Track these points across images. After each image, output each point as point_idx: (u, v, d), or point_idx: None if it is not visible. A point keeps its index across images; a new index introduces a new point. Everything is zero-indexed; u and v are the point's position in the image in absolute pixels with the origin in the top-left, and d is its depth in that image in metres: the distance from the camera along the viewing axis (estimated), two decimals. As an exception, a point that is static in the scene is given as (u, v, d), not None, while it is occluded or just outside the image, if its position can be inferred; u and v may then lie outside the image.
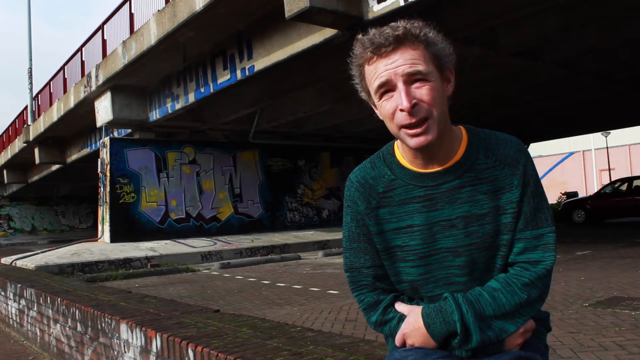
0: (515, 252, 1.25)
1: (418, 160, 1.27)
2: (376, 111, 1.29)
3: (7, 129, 27.47)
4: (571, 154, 37.38)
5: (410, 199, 1.28)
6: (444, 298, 1.24)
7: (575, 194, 23.57)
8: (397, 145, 1.33)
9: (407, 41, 1.18)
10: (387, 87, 1.19)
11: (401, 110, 1.17)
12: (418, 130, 1.17)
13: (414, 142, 1.19)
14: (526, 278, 1.22)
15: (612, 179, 23.05)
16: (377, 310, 1.33)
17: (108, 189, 13.88)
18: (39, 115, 20.17)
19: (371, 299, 1.34)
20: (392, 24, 1.20)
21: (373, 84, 1.21)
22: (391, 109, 1.19)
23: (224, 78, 10.77)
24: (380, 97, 1.21)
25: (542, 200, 1.27)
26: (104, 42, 13.61)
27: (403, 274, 1.31)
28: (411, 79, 1.17)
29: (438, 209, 1.26)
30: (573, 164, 37.25)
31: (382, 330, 1.34)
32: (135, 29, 11.68)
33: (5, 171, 28.32)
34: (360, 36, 1.23)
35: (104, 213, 14.08)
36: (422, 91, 1.17)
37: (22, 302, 5.14)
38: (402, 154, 1.31)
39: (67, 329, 3.82)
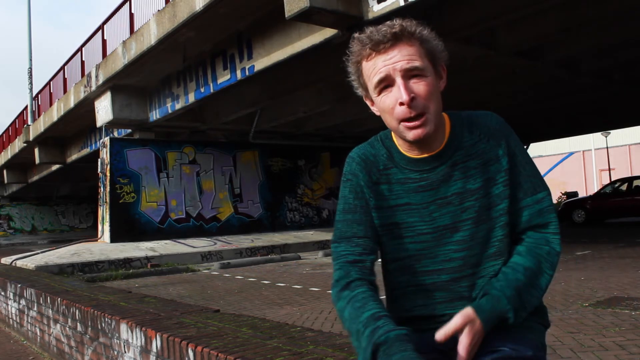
0: (524, 221, 1.32)
1: (413, 150, 1.32)
2: (372, 108, 1.34)
3: (7, 129, 27.46)
4: (571, 154, 37.38)
5: (406, 179, 1.33)
6: (496, 297, 1.23)
7: (575, 194, 23.57)
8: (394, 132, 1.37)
9: (404, 38, 1.22)
10: (386, 83, 1.23)
11: (401, 104, 1.21)
12: (416, 123, 1.22)
13: (412, 134, 1.23)
14: (546, 246, 1.30)
15: (612, 179, 23.04)
16: (339, 284, 1.29)
17: (108, 189, 13.87)
18: (39, 115, 20.17)
19: (344, 272, 1.29)
20: (388, 22, 1.24)
21: (372, 79, 1.25)
22: (391, 103, 1.23)
23: (224, 78, 10.76)
24: (380, 93, 1.25)
25: (532, 166, 1.34)
26: (104, 42, 13.60)
27: (400, 250, 1.34)
28: (409, 74, 1.21)
29: (434, 189, 1.31)
30: (573, 164, 37.24)
31: (335, 306, 1.30)
32: (135, 29, 11.68)
33: (5, 171, 28.31)
34: (357, 34, 1.27)
35: (104, 213, 14.08)
36: (419, 86, 1.22)
37: (22, 302, 5.14)
38: (397, 142, 1.35)
39: (67, 329, 3.82)
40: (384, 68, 1.22)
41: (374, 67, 1.23)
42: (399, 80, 1.21)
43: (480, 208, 1.29)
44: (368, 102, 1.34)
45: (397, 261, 1.35)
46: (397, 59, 1.21)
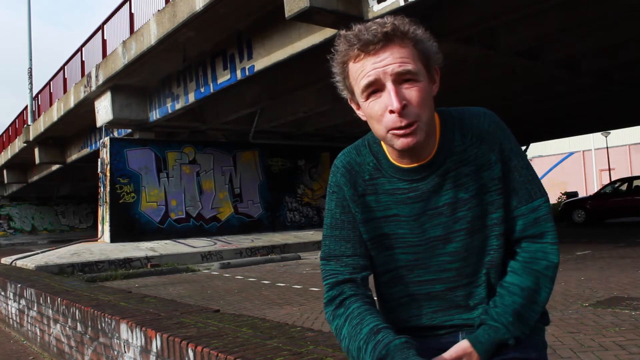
0: (518, 230, 1.24)
1: (402, 159, 1.24)
2: (357, 112, 1.24)
3: (7, 129, 27.46)
4: (571, 154, 37.37)
5: (394, 190, 1.25)
6: (494, 328, 1.20)
7: (575, 194, 23.57)
8: None
9: (396, 38, 1.12)
10: (375, 87, 1.13)
11: (391, 111, 1.11)
12: (406, 131, 1.13)
13: (401, 143, 1.14)
14: (544, 260, 1.23)
15: (612, 179, 23.04)
16: (333, 303, 1.26)
17: (108, 189, 13.88)
18: (39, 115, 20.17)
19: (336, 291, 1.26)
20: (379, 20, 1.15)
21: (360, 83, 1.15)
22: (380, 110, 1.14)
23: (224, 78, 10.77)
24: (367, 98, 1.15)
25: (529, 171, 1.25)
26: (104, 42, 13.61)
27: (391, 261, 1.29)
28: (400, 78, 1.12)
29: (424, 200, 1.24)
30: (573, 164, 37.23)
31: (331, 326, 1.26)
32: (135, 29, 11.68)
33: (5, 171, 28.32)
34: (344, 32, 1.17)
35: (104, 213, 14.08)
36: (411, 92, 1.12)
37: (22, 302, 5.14)
38: (386, 149, 1.27)
39: (67, 329, 3.82)
40: (374, 71, 1.11)
41: (362, 70, 1.13)
42: (389, 86, 1.11)
43: (473, 218, 1.22)
44: (353, 106, 1.24)
45: (388, 272, 1.30)
46: (388, 61, 1.11)
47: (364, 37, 1.12)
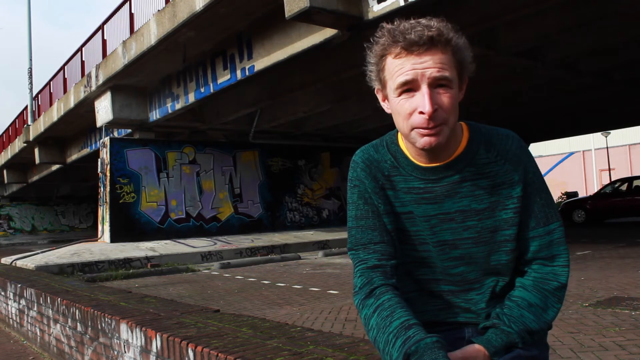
0: (532, 251, 1.28)
1: (421, 157, 1.28)
2: (382, 103, 1.28)
3: (7, 129, 27.46)
4: (571, 154, 37.39)
5: (410, 189, 1.29)
6: (506, 332, 1.23)
7: (575, 194, 23.59)
8: (401, 137, 1.32)
9: (440, 44, 1.16)
10: (409, 86, 1.17)
11: (421, 113, 1.15)
12: (431, 131, 1.16)
13: (423, 141, 1.18)
14: (554, 282, 1.28)
15: (612, 179, 23.04)
16: (362, 291, 1.27)
17: (108, 189, 13.88)
18: (39, 115, 20.17)
19: (365, 278, 1.28)
20: (424, 21, 1.18)
21: (396, 79, 1.18)
22: (410, 109, 1.17)
23: (224, 78, 10.77)
24: (400, 94, 1.18)
25: (548, 195, 1.30)
26: (104, 42, 13.61)
27: (406, 255, 1.33)
28: (436, 83, 1.16)
29: (437, 202, 1.27)
30: (573, 164, 37.27)
31: (360, 314, 1.28)
32: (135, 29, 11.69)
33: (5, 171, 28.32)
34: (388, 25, 1.21)
35: (104, 213, 14.08)
36: (443, 98, 1.16)
37: (22, 302, 5.14)
38: (405, 147, 1.31)
39: (67, 329, 3.82)
40: (412, 71, 1.15)
41: (401, 67, 1.16)
42: (424, 89, 1.15)
43: (482, 229, 1.26)
44: (379, 96, 1.28)
45: (402, 266, 1.34)
46: (428, 65, 1.15)
47: (409, 37, 1.15)
